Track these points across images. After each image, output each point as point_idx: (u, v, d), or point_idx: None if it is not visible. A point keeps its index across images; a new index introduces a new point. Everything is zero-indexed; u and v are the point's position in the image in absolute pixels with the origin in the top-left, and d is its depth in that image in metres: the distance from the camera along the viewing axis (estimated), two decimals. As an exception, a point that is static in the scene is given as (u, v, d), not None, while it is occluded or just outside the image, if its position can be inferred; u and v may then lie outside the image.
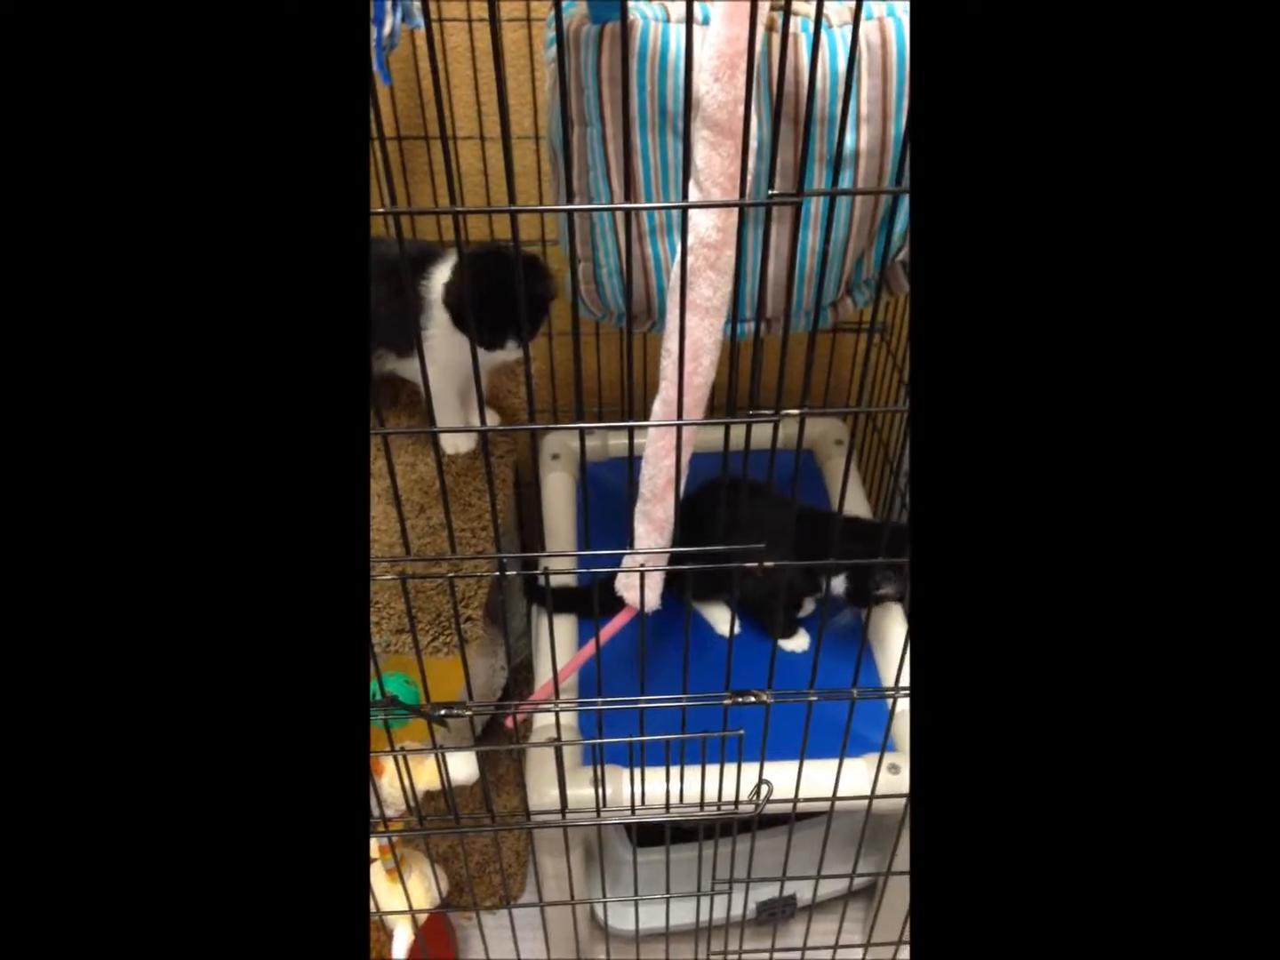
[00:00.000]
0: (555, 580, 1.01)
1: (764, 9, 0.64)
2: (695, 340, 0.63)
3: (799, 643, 1.07)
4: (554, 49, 0.75)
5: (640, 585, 0.73)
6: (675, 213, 0.74)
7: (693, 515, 0.72)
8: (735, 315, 0.57)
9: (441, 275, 0.91)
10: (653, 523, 0.71)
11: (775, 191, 0.48)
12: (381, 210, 0.44)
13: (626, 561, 0.75)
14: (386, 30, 0.93)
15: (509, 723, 0.82)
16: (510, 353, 0.89)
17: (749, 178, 0.50)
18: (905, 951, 1.05)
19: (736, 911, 0.99)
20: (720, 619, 1.07)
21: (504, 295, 0.72)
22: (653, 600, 0.76)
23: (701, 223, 0.59)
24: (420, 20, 0.91)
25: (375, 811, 0.82)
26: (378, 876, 0.87)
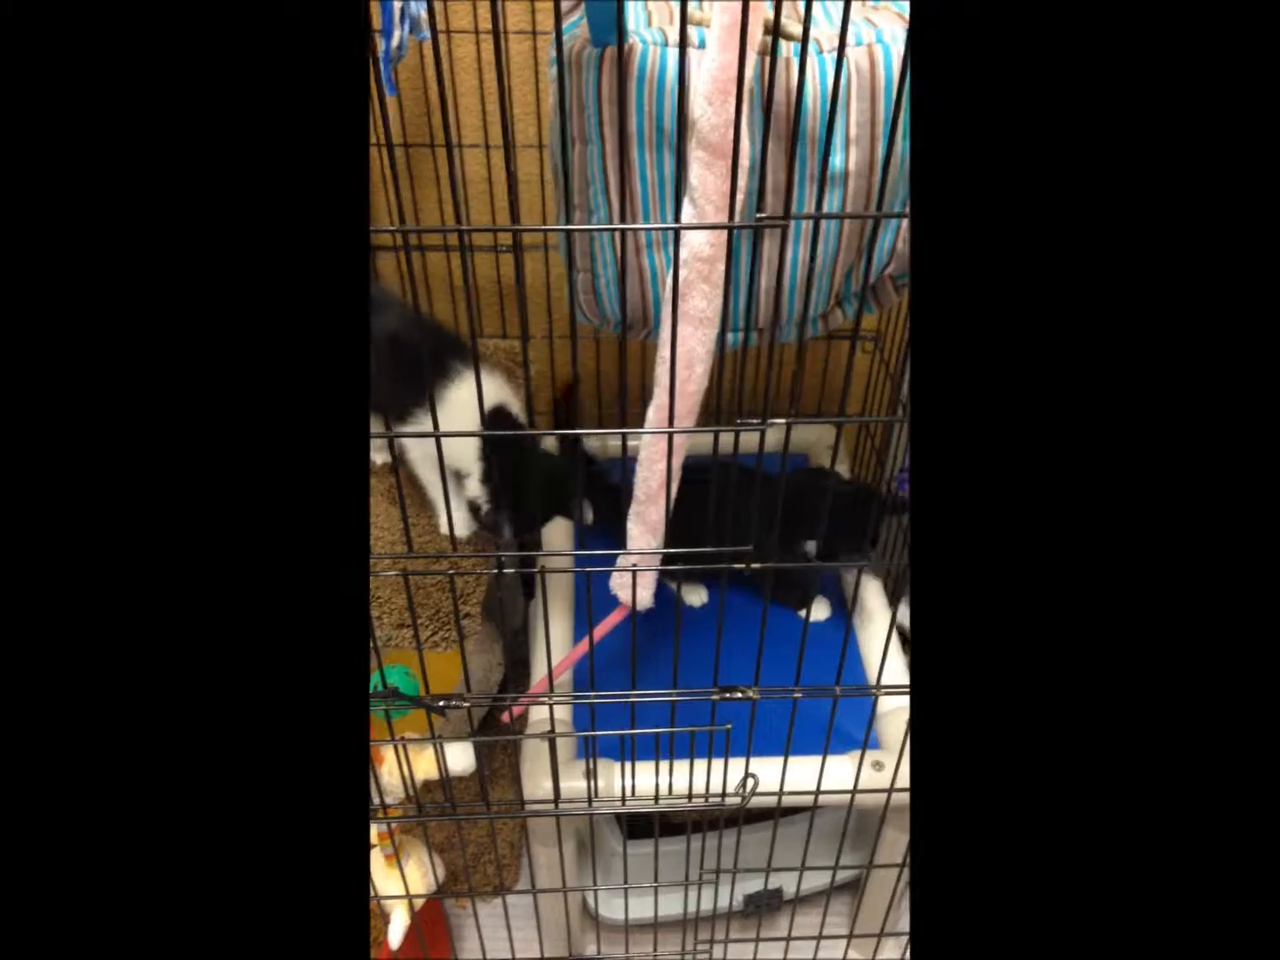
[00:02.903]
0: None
1: (757, 34, 0.67)
2: (689, 350, 0.65)
3: (820, 612, 1.11)
4: (556, 68, 0.78)
5: (633, 585, 0.76)
6: (671, 226, 0.76)
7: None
8: (729, 325, 0.59)
9: (458, 396, 0.91)
10: (646, 524, 0.74)
11: (764, 213, 0.50)
12: (389, 229, 0.47)
13: (620, 561, 0.78)
14: (395, 42, 0.96)
15: (505, 716, 0.84)
16: None
17: (740, 196, 0.52)
18: (887, 943, 1.08)
19: (723, 903, 1.02)
20: (693, 594, 1.12)
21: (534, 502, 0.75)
22: (645, 599, 0.79)
23: (696, 238, 0.61)
24: (427, 32, 0.94)
25: (375, 799, 0.85)
26: (376, 862, 0.89)
